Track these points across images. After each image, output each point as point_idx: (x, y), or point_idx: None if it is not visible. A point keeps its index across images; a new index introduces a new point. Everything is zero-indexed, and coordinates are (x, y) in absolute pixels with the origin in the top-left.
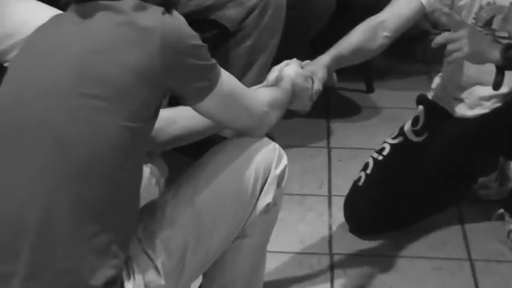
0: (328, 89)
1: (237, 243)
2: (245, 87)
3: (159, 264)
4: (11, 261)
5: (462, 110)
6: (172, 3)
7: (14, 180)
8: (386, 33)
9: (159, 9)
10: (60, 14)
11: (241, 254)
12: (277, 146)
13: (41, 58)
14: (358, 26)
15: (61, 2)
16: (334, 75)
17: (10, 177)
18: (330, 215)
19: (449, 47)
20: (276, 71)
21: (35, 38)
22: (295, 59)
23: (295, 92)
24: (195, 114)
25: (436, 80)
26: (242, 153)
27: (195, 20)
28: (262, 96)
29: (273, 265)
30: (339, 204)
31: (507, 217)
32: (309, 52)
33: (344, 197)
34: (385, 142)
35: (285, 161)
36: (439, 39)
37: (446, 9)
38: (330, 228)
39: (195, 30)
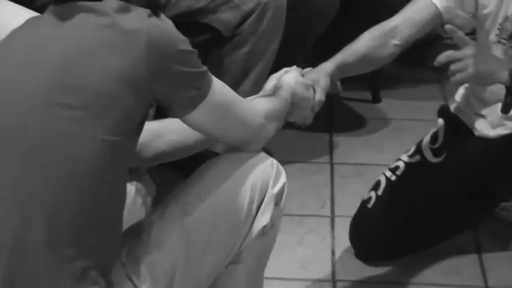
0: (331, 98)
1: (230, 268)
2: (240, 97)
3: None
4: None
5: (483, 128)
6: (160, 5)
7: None
8: (396, 42)
9: (144, 11)
10: (37, 16)
11: (235, 280)
12: (275, 161)
13: (16, 63)
14: (366, 32)
15: (38, 3)
16: (338, 84)
17: None
18: (333, 238)
19: (453, 67)
20: (274, 79)
21: (9, 42)
22: (295, 66)
23: (295, 103)
24: (184, 126)
25: (460, 91)
26: (236, 170)
27: (185, 22)
28: (258, 107)
29: None
30: (342, 225)
31: None
32: (310, 58)
33: (348, 218)
34: (399, 160)
35: (283, 178)
36: (441, 57)
37: (449, 26)
38: (333, 252)
39: (185, 34)
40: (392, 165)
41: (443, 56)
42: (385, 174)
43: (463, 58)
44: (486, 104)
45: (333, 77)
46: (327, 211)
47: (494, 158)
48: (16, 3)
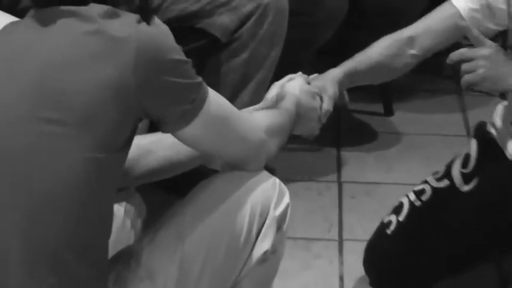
0: (338, 110)
1: None
2: (238, 110)
3: None
4: None
5: None
6: (150, 9)
7: None
8: (414, 52)
9: (133, 17)
10: (16, 22)
11: None
12: (277, 181)
13: None
14: (381, 39)
15: (19, 6)
16: (345, 95)
17: None
18: (341, 263)
19: (464, 66)
20: (277, 87)
21: None
22: (300, 73)
23: (300, 114)
24: (177, 141)
25: (499, 108)
26: (235, 190)
27: (179, 28)
28: (259, 120)
29: None
30: (351, 250)
31: None
32: (316, 65)
33: (357, 242)
34: (426, 183)
35: (287, 199)
36: (454, 55)
37: (464, 22)
38: (341, 278)
39: (178, 41)
40: (418, 188)
41: (457, 54)
42: (408, 198)
43: (475, 58)
44: None
45: (341, 85)
46: (334, 234)
47: None
48: None
